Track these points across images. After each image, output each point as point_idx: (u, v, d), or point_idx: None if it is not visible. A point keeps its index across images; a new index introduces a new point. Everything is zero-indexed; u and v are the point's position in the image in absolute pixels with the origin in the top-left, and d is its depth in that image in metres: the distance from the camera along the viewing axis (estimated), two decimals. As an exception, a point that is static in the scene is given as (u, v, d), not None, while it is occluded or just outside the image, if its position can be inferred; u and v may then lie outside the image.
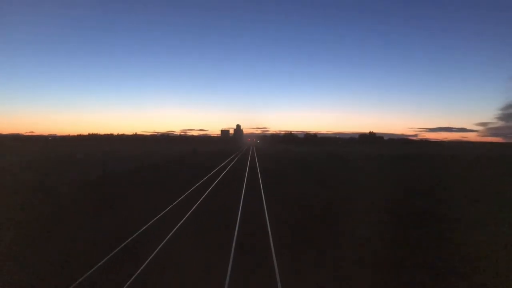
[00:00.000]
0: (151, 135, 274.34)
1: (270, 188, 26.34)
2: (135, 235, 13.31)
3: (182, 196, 22.12)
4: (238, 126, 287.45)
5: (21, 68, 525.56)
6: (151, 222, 15.31)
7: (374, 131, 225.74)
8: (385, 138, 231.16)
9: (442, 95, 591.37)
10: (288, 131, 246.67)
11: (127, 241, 12.48)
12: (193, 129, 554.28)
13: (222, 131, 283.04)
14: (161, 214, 17.05)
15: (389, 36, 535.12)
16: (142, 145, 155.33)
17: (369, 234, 13.68)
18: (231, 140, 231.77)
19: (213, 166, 46.45)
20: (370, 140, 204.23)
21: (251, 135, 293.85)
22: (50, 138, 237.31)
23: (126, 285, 8.92)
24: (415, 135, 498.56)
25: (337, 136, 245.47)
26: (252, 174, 36.92)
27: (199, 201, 20.52)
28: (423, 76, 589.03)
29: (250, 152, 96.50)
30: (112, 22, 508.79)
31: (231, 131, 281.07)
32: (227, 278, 9.36)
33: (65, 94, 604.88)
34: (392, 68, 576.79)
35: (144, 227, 14.42)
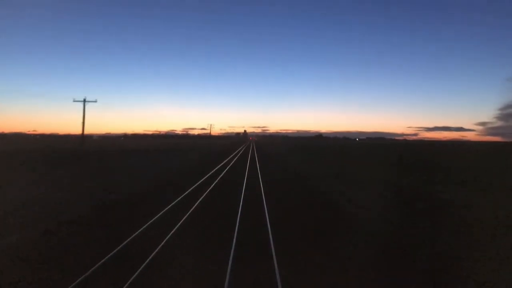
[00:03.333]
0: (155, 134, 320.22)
1: (258, 144, 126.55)
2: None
3: (241, 145, 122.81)
4: (245, 130, 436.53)
5: (23, 68, 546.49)
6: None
7: (375, 131, 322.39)
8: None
9: (442, 96, 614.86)
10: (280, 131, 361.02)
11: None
12: (195, 128, 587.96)
13: (236, 133, 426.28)
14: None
15: (388, 37, 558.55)
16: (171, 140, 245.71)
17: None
18: (241, 138, 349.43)
19: (241, 143, 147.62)
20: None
21: (252, 134, 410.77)
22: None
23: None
24: (415, 134, 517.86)
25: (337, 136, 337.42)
26: (253, 143, 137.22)
27: (243, 147, 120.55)
28: (422, 77, 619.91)
29: (251, 143, 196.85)
30: (117, 23, 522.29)
31: (241, 133, 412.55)
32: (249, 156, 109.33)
33: (68, 93, 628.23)
34: (391, 68, 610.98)
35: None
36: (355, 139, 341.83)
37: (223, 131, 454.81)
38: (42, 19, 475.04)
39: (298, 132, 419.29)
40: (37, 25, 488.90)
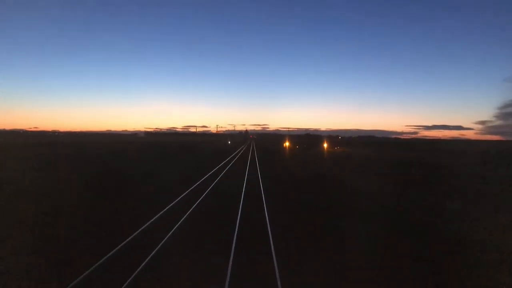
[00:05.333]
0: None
1: (256, 140, 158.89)
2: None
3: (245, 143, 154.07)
4: (246, 129, 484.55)
5: (24, 66, 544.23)
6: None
7: (374, 129, 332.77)
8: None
9: (441, 94, 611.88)
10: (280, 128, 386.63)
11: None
12: (195, 126, 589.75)
13: (239, 131, 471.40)
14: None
15: (388, 36, 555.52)
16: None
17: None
18: (243, 135, 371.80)
19: (246, 139, 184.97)
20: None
21: (252, 132, 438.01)
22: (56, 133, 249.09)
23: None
24: (415, 133, 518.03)
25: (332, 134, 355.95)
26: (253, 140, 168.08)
27: (246, 144, 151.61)
28: (421, 76, 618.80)
29: (252, 139, 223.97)
30: (116, 19, 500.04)
31: (243, 131, 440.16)
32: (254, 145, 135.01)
33: (69, 90, 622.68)
34: (390, 67, 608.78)
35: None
36: (338, 136, 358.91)
37: (224, 129, 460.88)
38: (44, 19, 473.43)
39: (299, 130, 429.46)
40: (38, 26, 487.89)
